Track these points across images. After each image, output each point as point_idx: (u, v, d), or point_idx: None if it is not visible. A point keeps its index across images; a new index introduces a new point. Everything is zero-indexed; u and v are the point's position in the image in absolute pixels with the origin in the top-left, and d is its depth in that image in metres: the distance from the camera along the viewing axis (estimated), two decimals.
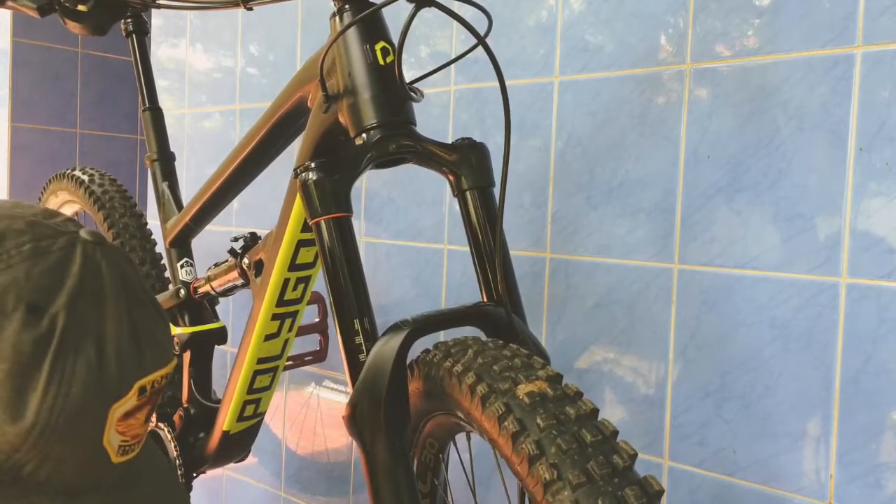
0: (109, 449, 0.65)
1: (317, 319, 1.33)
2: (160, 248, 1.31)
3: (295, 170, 0.79)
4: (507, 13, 1.20)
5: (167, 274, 1.28)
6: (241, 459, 1.20)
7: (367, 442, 0.69)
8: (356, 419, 0.70)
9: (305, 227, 0.91)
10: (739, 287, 0.98)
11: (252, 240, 1.04)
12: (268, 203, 1.61)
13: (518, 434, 0.58)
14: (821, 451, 0.93)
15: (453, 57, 0.94)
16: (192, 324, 1.19)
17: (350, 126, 0.78)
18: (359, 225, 1.43)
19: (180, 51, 1.83)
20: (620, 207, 1.09)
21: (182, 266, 1.22)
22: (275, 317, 0.98)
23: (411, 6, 0.73)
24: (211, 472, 1.60)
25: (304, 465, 1.56)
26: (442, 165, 0.80)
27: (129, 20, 1.27)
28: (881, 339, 0.88)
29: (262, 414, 1.11)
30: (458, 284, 1.28)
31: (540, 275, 1.18)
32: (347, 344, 0.74)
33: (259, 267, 1.00)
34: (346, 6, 0.79)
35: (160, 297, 1.21)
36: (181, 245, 1.24)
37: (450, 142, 0.82)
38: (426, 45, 1.33)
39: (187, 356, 1.19)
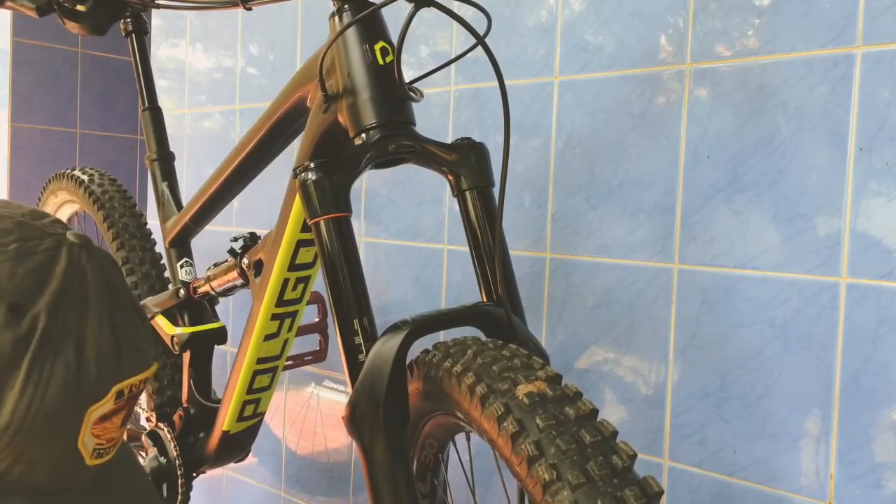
0: (84, 451, 0.65)
1: (316, 319, 1.33)
2: (160, 248, 1.31)
3: (294, 170, 0.79)
4: (507, 13, 1.20)
5: (167, 274, 1.28)
6: (241, 459, 1.20)
7: (366, 442, 0.69)
8: (356, 419, 0.70)
9: (305, 227, 0.91)
10: (739, 287, 0.98)
11: (252, 240, 1.04)
12: (268, 203, 1.61)
13: (517, 434, 0.58)
14: (821, 450, 0.93)
15: (453, 57, 0.94)
16: (192, 324, 1.19)
17: (349, 126, 0.78)
18: (359, 225, 1.42)
19: (180, 51, 1.83)
20: (620, 207, 1.09)
21: (182, 266, 1.22)
22: (274, 317, 0.98)
23: (411, 6, 0.73)
24: (211, 472, 1.60)
25: (303, 465, 1.56)
26: (441, 165, 0.80)
27: (129, 20, 1.27)
28: (881, 339, 0.88)
29: (262, 414, 1.11)
30: (458, 284, 1.28)
31: (540, 275, 1.17)
32: (347, 344, 0.74)
33: (259, 267, 1.00)
34: (346, 6, 0.79)
35: (160, 297, 1.21)
36: (181, 245, 1.24)
37: (449, 142, 0.82)
38: (426, 45, 1.33)
39: (187, 356, 1.19)
